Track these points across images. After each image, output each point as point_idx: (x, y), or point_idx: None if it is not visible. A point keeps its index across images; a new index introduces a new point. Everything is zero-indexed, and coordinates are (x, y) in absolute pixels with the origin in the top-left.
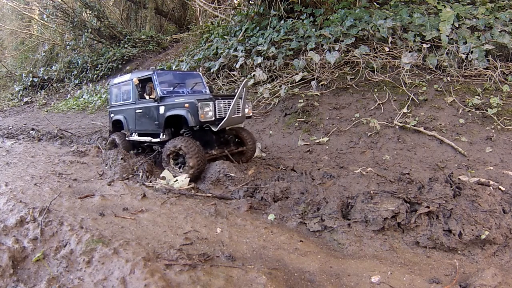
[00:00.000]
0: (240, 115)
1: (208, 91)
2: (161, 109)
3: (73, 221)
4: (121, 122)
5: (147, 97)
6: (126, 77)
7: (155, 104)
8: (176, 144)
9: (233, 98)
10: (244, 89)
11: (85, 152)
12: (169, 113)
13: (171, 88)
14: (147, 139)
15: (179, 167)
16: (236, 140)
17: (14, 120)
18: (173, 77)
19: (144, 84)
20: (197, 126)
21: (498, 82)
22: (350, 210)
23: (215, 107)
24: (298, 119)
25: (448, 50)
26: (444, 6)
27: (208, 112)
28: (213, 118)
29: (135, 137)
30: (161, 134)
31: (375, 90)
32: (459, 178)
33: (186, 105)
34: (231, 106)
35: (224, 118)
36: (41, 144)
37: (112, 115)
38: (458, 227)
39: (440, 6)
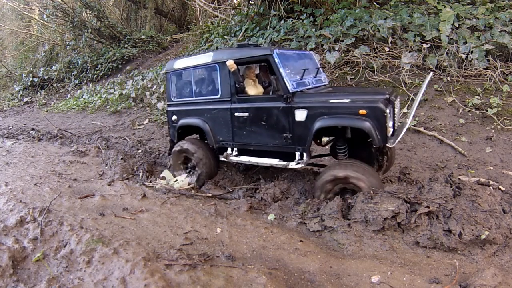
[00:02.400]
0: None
1: (327, 80)
2: (299, 114)
3: (73, 221)
4: (200, 130)
5: (247, 90)
6: (204, 57)
7: (283, 104)
8: (346, 175)
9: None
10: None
11: (85, 152)
12: (322, 124)
13: (298, 78)
14: (270, 161)
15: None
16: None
17: (14, 120)
18: (293, 60)
19: (247, 69)
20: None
21: (498, 82)
22: (350, 210)
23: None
24: None
25: (448, 50)
26: (444, 6)
27: (390, 122)
28: (392, 130)
29: (240, 158)
30: (299, 155)
31: None
32: (459, 178)
33: (362, 111)
34: (412, 110)
35: (397, 127)
36: (41, 144)
37: (174, 117)
38: (458, 227)
39: (440, 6)
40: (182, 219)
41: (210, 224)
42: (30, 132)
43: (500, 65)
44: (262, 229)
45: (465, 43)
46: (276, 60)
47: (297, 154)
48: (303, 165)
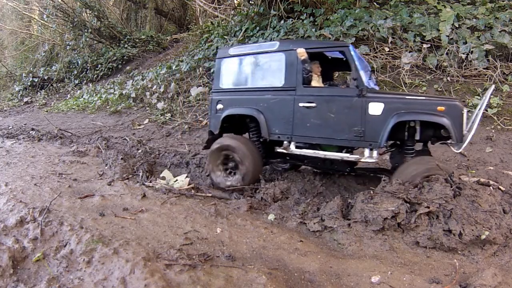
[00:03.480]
0: None
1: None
2: (374, 107)
3: (73, 221)
4: (253, 121)
5: (312, 84)
6: (268, 45)
7: (357, 97)
8: (428, 168)
9: None
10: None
11: (85, 152)
12: (399, 118)
13: (367, 75)
14: (339, 154)
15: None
16: None
17: (14, 120)
18: (359, 59)
19: (313, 64)
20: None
21: (498, 82)
22: (350, 210)
23: None
24: None
25: (448, 50)
26: (444, 6)
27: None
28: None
29: (304, 150)
30: (368, 151)
31: None
32: (459, 178)
33: (441, 108)
34: (476, 116)
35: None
36: (41, 144)
37: (220, 106)
38: (458, 227)
39: (440, 6)
40: (182, 219)
41: (210, 224)
42: (30, 132)
43: (500, 65)
44: (262, 229)
45: (465, 43)
46: (353, 52)
47: (367, 150)
48: (375, 160)
